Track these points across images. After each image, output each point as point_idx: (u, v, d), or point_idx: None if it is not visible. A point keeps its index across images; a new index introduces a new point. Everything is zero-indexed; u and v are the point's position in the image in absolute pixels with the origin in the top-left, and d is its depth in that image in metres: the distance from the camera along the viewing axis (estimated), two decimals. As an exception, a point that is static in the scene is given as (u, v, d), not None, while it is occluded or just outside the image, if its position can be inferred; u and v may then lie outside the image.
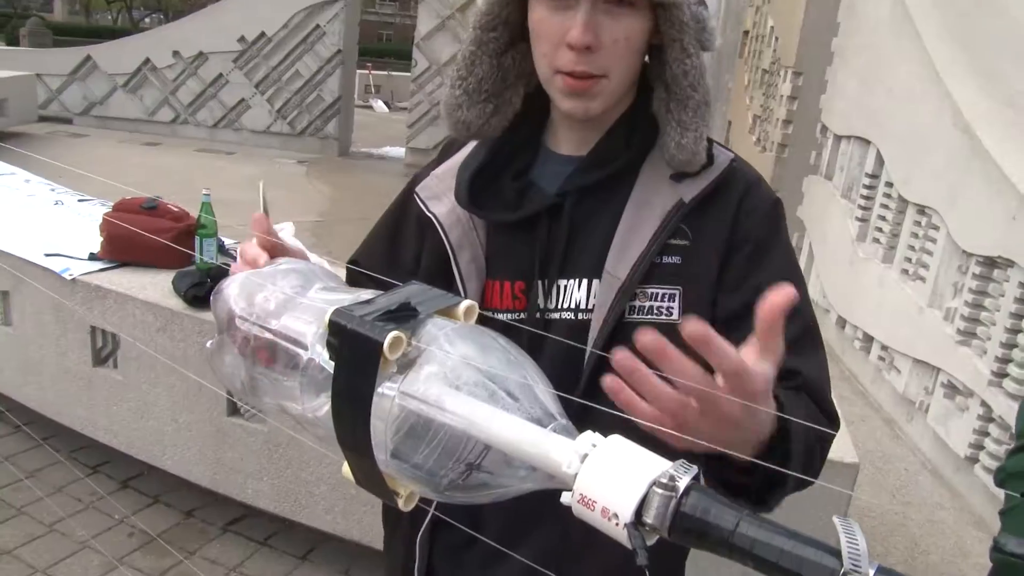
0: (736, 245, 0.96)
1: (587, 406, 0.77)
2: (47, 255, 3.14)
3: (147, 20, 39.71)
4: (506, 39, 0.98)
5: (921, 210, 4.46)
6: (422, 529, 1.09)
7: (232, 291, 0.66)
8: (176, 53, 11.47)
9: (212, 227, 2.98)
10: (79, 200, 4.05)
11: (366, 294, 0.59)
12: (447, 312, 0.59)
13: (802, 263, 6.26)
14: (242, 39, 11.22)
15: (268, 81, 11.38)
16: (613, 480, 0.47)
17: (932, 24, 4.73)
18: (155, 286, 2.95)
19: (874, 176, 5.15)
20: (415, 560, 1.10)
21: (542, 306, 0.98)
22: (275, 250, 0.85)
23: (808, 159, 6.53)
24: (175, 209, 3.21)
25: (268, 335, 0.61)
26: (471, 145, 1.07)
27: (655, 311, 0.94)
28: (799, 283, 0.98)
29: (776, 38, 7.62)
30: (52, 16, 41.03)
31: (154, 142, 11.17)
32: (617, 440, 0.49)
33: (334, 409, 0.55)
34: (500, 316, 1.00)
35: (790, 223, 5.39)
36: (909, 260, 4.58)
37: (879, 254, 4.93)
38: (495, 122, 1.01)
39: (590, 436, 0.50)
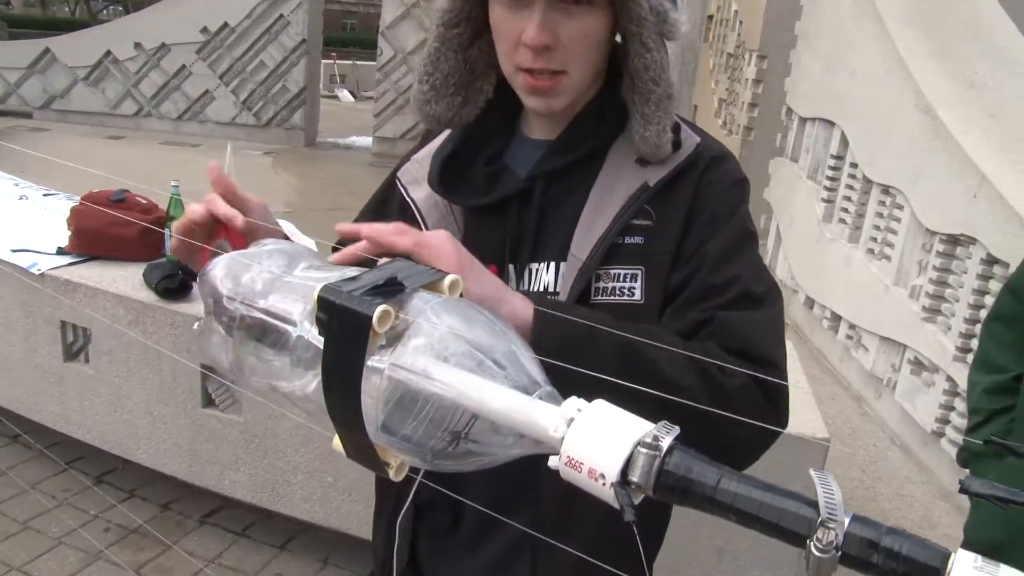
0: (693, 217, 0.96)
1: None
2: (13, 251, 3.10)
3: (106, 12, 38.95)
4: (470, 34, 0.99)
5: (885, 190, 4.53)
6: (402, 513, 1.11)
7: (218, 272, 0.67)
8: (138, 45, 11.29)
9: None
10: (44, 195, 4.00)
11: (352, 271, 0.61)
12: (432, 286, 0.60)
13: (769, 244, 6.33)
14: (205, 30, 11.07)
15: (232, 72, 11.25)
16: (599, 442, 0.49)
17: (894, 7, 4.80)
18: (125, 279, 2.93)
19: (839, 157, 5.23)
20: (395, 542, 1.12)
21: (513, 289, 0.98)
22: (244, 208, 0.90)
23: (774, 141, 6.60)
24: (143, 201, 3.18)
25: (256, 314, 0.62)
26: (447, 132, 1.08)
27: (618, 291, 0.95)
28: (746, 254, 0.98)
29: (740, 22, 7.68)
30: (8, 8, 40.20)
31: (118, 135, 11.00)
32: (601, 404, 0.51)
33: (324, 384, 0.56)
34: None
35: (757, 205, 5.40)
36: (875, 239, 4.66)
37: (845, 234, 5.01)
38: (466, 112, 1.03)
39: (575, 401, 0.52)
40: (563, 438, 0.50)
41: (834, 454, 3.86)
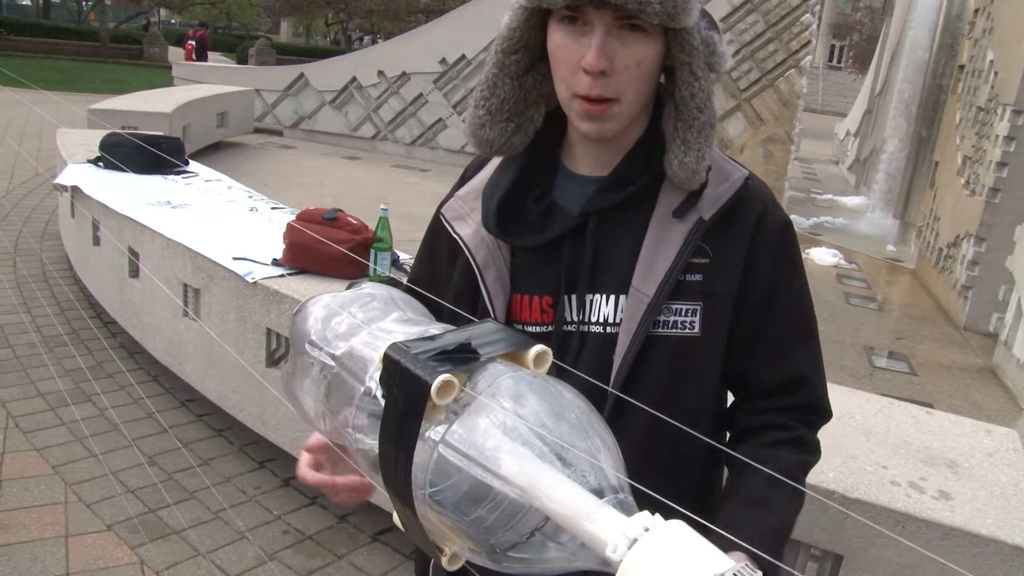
0: (754, 267, 1.03)
1: (618, 410, 0.96)
2: (235, 258, 3.34)
3: (364, 40, 41.88)
4: (527, 61, 1.03)
5: None
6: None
7: (311, 312, 0.63)
8: (381, 72, 12.06)
9: (388, 241, 3.06)
10: (272, 208, 4.30)
11: (436, 328, 0.55)
12: (515, 357, 0.53)
13: (1008, 318, 5.72)
14: (443, 61, 11.64)
15: (466, 103, 11.67)
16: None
17: None
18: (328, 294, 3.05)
19: (1101, 229, 4.62)
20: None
21: (570, 319, 1.04)
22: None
23: (1023, 206, 5.96)
24: (354, 221, 3.32)
25: (331, 363, 0.58)
26: (490, 167, 1.13)
27: (679, 325, 1.01)
28: (807, 298, 1.09)
29: (995, 73, 7.03)
30: (278, 37, 44.54)
31: (354, 156, 11.77)
32: (675, 527, 0.42)
33: (380, 448, 0.51)
34: (529, 328, 1.06)
35: (997, 273, 4.93)
36: None
37: (1101, 316, 4.41)
38: (517, 140, 1.06)
39: (644, 518, 0.43)
40: (621, 562, 0.41)
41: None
